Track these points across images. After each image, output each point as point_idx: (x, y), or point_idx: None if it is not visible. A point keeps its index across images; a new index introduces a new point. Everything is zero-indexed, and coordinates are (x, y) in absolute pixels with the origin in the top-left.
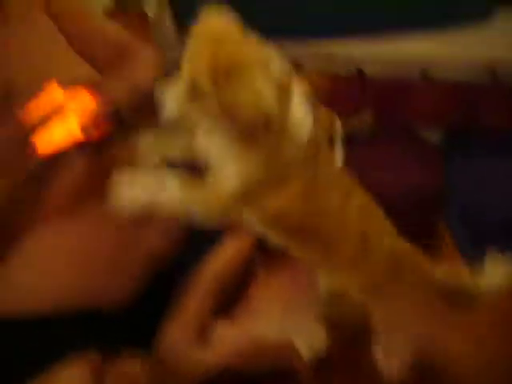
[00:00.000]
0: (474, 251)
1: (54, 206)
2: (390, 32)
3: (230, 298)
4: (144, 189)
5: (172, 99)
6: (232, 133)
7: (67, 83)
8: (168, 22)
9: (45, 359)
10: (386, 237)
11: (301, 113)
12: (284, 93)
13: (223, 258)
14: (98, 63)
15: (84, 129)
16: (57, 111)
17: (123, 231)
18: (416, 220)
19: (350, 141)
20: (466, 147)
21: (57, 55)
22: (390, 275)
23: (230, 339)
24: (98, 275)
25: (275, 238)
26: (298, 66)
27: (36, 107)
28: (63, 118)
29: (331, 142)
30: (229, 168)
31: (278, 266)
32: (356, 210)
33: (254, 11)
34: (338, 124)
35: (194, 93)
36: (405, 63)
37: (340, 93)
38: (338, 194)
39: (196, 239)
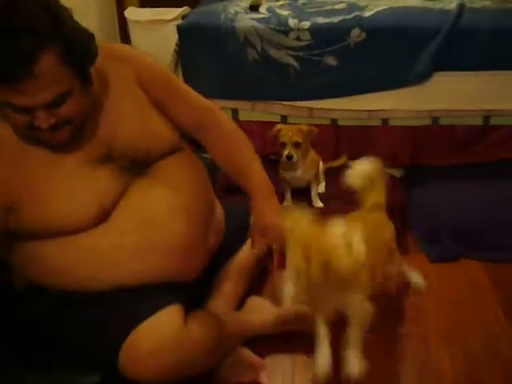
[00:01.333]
0: (430, 248)
1: None
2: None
3: (255, 282)
4: None
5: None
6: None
7: (157, 142)
8: None
9: (151, 306)
10: None
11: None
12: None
13: (247, 253)
14: (182, 123)
15: None
16: None
17: (198, 234)
18: None
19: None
20: (421, 178)
21: (149, 119)
22: None
23: (263, 307)
24: (183, 260)
25: None
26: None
27: None
28: None
29: (317, 177)
30: None
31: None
32: None
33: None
34: (321, 164)
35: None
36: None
37: (320, 140)
38: None
39: (229, 240)
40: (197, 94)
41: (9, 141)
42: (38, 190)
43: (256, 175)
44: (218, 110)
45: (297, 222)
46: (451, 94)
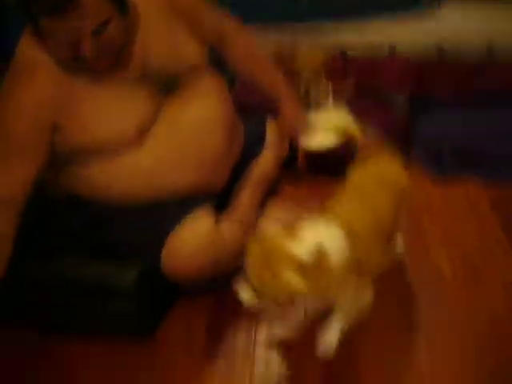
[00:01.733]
0: (433, 168)
1: None
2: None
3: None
4: None
5: (245, 293)
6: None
7: (186, 61)
8: None
9: (185, 210)
10: None
11: (338, 260)
12: (319, 260)
13: (263, 164)
14: (207, 36)
15: None
16: None
17: (226, 147)
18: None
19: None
20: (425, 106)
21: (178, 38)
22: None
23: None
24: (215, 171)
25: None
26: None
27: None
28: None
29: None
30: None
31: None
32: None
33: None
34: (330, 89)
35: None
36: (377, 44)
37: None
38: None
39: (248, 151)
40: (218, 9)
41: (53, 67)
42: (79, 113)
43: (281, 82)
44: (239, 23)
45: (265, 231)
46: (457, 25)
